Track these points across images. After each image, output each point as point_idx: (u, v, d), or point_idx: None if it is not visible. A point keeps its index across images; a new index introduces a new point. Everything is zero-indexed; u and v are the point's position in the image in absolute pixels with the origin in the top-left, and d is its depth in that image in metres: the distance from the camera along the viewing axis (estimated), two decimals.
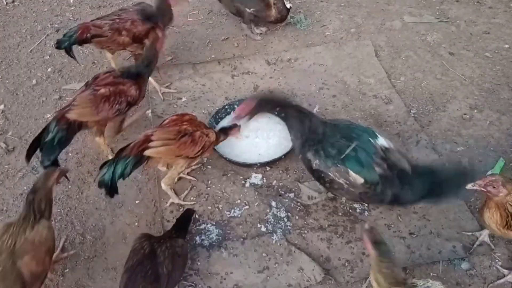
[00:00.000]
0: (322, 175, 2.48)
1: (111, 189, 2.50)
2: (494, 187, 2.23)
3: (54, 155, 2.65)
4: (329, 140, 2.46)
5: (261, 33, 4.00)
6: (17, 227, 2.21)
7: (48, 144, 2.64)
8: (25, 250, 2.16)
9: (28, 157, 2.70)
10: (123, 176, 2.49)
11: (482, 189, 2.26)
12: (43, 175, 2.37)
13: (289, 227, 2.77)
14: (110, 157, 2.92)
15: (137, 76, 2.95)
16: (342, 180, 2.43)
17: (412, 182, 2.41)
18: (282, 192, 2.94)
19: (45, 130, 2.68)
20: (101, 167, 2.53)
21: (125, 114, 3.04)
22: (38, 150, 2.69)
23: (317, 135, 2.50)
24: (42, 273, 2.23)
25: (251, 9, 3.76)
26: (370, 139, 2.46)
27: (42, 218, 2.26)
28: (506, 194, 2.22)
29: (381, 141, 2.49)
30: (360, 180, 2.39)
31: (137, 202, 2.94)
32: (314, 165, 2.48)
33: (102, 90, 2.79)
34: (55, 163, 2.67)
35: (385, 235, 2.71)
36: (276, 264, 2.61)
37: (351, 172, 2.39)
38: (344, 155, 2.40)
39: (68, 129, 2.70)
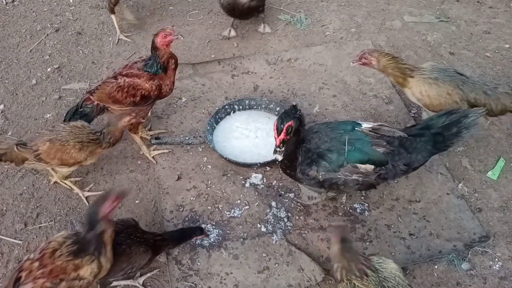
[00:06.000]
0: (334, 181, 2.49)
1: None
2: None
3: None
4: (323, 147, 2.47)
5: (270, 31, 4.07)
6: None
7: (72, 117, 2.95)
8: None
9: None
10: None
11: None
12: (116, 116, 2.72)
13: (289, 227, 2.77)
14: (147, 155, 3.12)
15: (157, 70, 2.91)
16: (354, 176, 2.46)
17: (416, 145, 2.46)
18: (282, 192, 2.94)
19: (78, 104, 3.00)
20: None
21: (145, 107, 2.98)
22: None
23: (312, 152, 2.49)
24: None
25: None
26: (356, 128, 2.50)
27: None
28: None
29: (365, 125, 2.53)
30: (370, 167, 2.43)
31: (137, 202, 2.94)
32: (320, 176, 2.48)
33: (119, 80, 2.87)
34: None
35: (385, 235, 2.72)
36: (276, 264, 2.61)
37: (360, 165, 2.43)
38: (345, 153, 2.43)
39: (92, 108, 2.96)
